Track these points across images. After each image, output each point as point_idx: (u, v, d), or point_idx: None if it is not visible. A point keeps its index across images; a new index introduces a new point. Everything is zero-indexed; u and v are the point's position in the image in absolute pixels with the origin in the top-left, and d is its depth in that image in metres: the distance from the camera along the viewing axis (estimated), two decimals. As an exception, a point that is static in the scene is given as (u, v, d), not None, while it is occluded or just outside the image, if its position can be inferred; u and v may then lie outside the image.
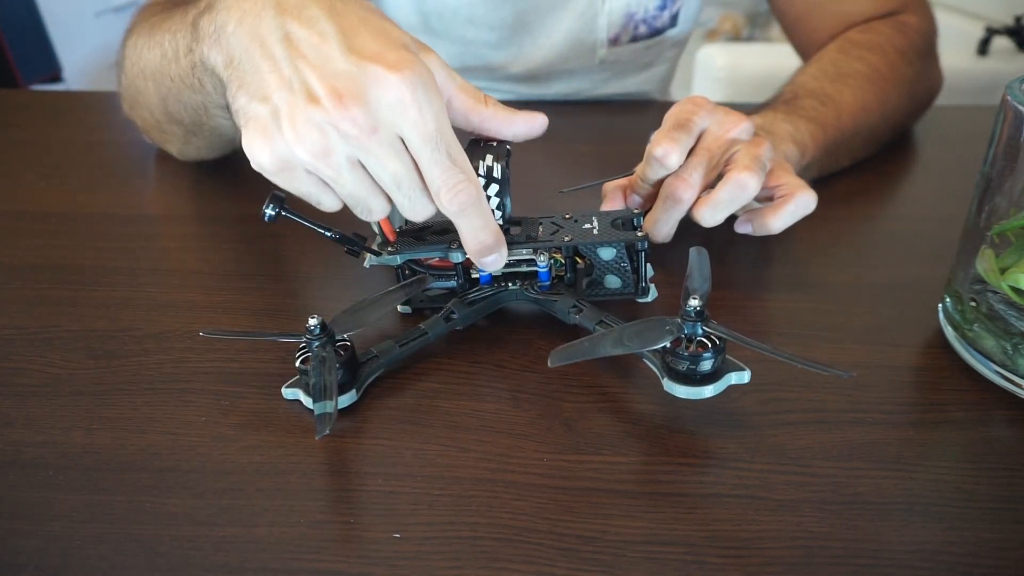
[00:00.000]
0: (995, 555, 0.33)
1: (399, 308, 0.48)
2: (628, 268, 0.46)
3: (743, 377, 0.38)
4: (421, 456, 0.37)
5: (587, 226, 0.45)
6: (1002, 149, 0.41)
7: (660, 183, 0.49)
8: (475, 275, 0.46)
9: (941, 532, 0.34)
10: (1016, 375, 0.40)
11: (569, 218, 0.46)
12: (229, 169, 0.65)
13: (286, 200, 0.42)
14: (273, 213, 0.41)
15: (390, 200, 0.40)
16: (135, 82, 0.58)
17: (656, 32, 0.81)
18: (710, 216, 0.48)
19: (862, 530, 0.34)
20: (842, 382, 0.42)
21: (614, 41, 0.80)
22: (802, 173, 0.58)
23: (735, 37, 2.42)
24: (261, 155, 0.38)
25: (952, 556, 0.33)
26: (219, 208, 0.60)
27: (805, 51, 0.79)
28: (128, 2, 1.92)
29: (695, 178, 0.48)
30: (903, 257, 0.54)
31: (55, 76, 1.86)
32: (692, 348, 0.37)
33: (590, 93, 0.84)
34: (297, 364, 0.40)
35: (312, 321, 0.39)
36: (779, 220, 0.49)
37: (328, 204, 0.41)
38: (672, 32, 0.83)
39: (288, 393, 0.41)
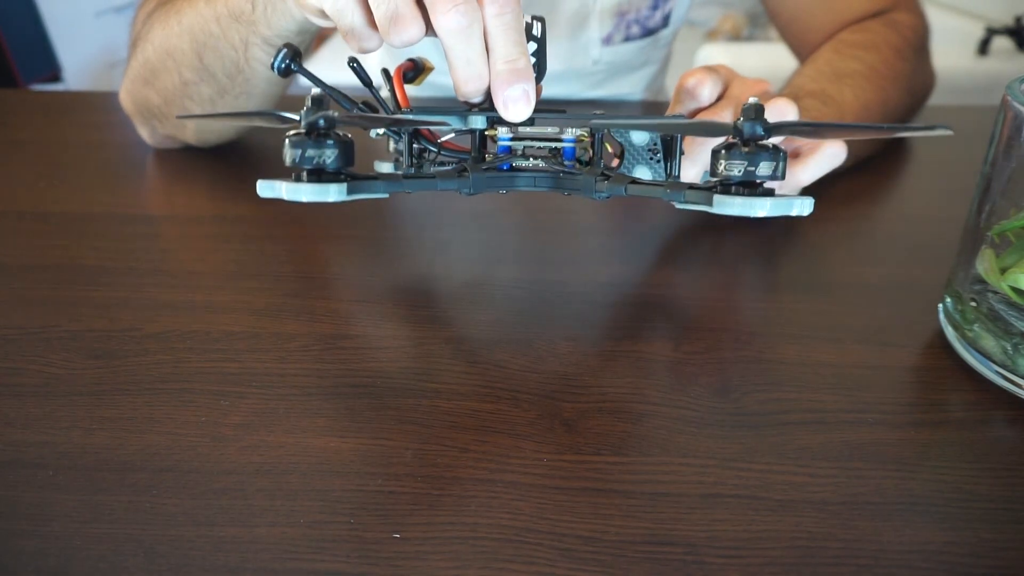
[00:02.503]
0: (995, 555, 0.33)
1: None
2: (661, 158, 0.42)
3: (806, 205, 0.33)
4: (421, 456, 0.37)
5: (619, 120, 0.42)
6: (1002, 149, 0.41)
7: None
8: (492, 140, 0.42)
9: (941, 532, 0.34)
10: (1016, 375, 0.40)
11: (601, 114, 0.43)
12: (229, 169, 0.65)
13: (300, 56, 0.40)
14: (282, 64, 0.39)
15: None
16: (167, 43, 0.58)
17: (649, 32, 0.81)
18: None
19: (862, 530, 0.34)
20: (842, 382, 0.42)
21: (607, 41, 0.80)
22: None
23: (735, 37, 2.41)
24: None
25: (952, 556, 0.33)
26: (219, 208, 0.60)
27: (800, 52, 0.79)
28: (128, 2, 1.92)
29: (724, 116, 0.46)
30: (903, 257, 0.54)
31: (55, 76, 1.86)
32: (751, 148, 0.32)
33: (584, 95, 0.84)
34: (287, 139, 0.35)
35: (315, 90, 0.35)
36: (808, 172, 0.47)
37: (352, 21, 0.39)
38: (665, 32, 0.83)
39: (265, 188, 0.35)
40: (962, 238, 0.44)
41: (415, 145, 0.43)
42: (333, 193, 0.35)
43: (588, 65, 0.81)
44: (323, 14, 0.41)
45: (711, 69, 0.48)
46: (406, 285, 0.50)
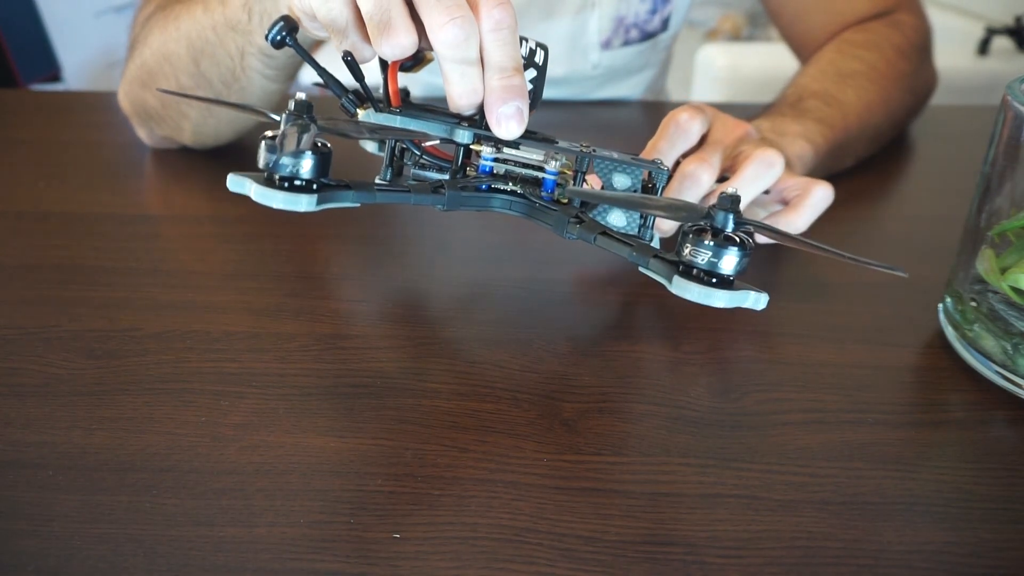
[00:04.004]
0: (995, 555, 0.33)
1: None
2: None
3: (760, 300, 0.33)
4: (421, 456, 0.37)
5: (605, 153, 0.42)
6: (1002, 149, 0.41)
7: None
8: (476, 164, 0.42)
9: (941, 532, 0.34)
10: (1016, 375, 0.41)
11: (588, 146, 0.42)
12: (228, 169, 0.64)
13: (296, 29, 0.39)
14: (278, 36, 0.39)
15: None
16: (164, 48, 0.58)
17: (648, 36, 0.81)
18: None
19: (862, 530, 0.34)
20: (842, 382, 0.42)
21: (606, 45, 0.80)
22: (811, 173, 0.58)
23: (735, 37, 2.42)
24: None
25: (952, 556, 0.33)
26: (219, 208, 0.60)
27: (802, 53, 0.79)
28: (128, 2, 1.92)
29: (714, 160, 0.46)
30: (903, 257, 0.54)
31: (55, 76, 1.86)
32: (721, 240, 0.32)
33: (583, 98, 0.84)
34: (263, 141, 0.35)
35: (300, 95, 0.35)
36: (803, 216, 0.47)
37: (345, 30, 0.38)
38: (664, 36, 0.83)
39: (235, 183, 0.36)
40: (962, 238, 0.44)
41: (399, 144, 0.43)
42: (304, 203, 0.35)
43: (587, 69, 0.81)
44: (316, 21, 0.40)
45: (699, 109, 0.48)
46: (406, 285, 0.50)
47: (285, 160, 0.34)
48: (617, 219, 0.43)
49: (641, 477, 0.36)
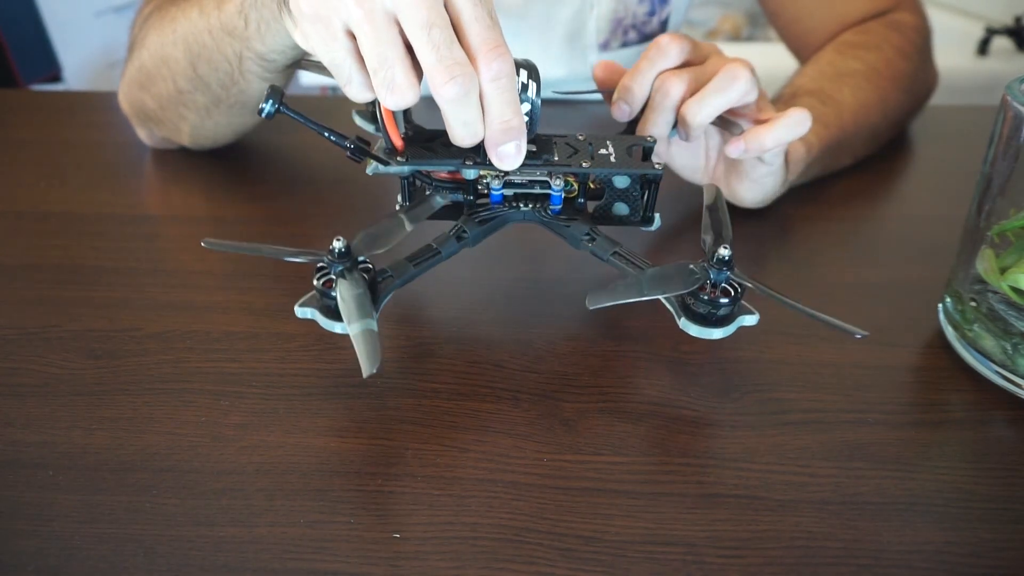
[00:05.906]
0: (995, 555, 0.33)
1: None
2: (639, 197, 0.46)
3: (752, 320, 0.39)
4: (421, 456, 0.37)
5: (603, 151, 0.45)
6: (1002, 149, 0.41)
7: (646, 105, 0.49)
8: (485, 182, 0.45)
9: (941, 532, 0.34)
10: (1016, 375, 0.41)
11: (584, 139, 0.45)
12: (228, 169, 0.65)
13: (285, 95, 0.40)
14: (272, 109, 0.40)
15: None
16: (161, 51, 0.58)
17: (647, 38, 0.81)
18: (696, 108, 0.47)
19: (862, 530, 0.34)
20: (842, 382, 0.42)
21: (604, 46, 0.80)
22: (806, 171, 0.58)
23: (735, 37, 2.41)
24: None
25: (952, 556, 0.33)
26: (219, 208, 0.60)
27: (801, 54, 0.78)
28: (128, 2, 1.92)
29: (686, 76, 0.48)
30: (903, 257, 0.54)
31: (55, 76, 1.86)
32: (715, 293, 0.38)
33: (582, 99, 0.84)
34: (316, 283, 0.39)
35: (337, 244, 0.38)
36: (773, 134, 0.48)
37: (349, 75, 0.39)
38: None
39: (303, 312, 0.39)
40: (962, 238, 0.44)
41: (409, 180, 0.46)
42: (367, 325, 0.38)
43: (586, 71, 0.81)
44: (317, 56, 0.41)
45: (690, 39, 0.50)
46: (406, 285, 0.50)
47: (371, 322, 0.37)
48: (621, 209, 0.46)
49: (641, 477, 0.36)
